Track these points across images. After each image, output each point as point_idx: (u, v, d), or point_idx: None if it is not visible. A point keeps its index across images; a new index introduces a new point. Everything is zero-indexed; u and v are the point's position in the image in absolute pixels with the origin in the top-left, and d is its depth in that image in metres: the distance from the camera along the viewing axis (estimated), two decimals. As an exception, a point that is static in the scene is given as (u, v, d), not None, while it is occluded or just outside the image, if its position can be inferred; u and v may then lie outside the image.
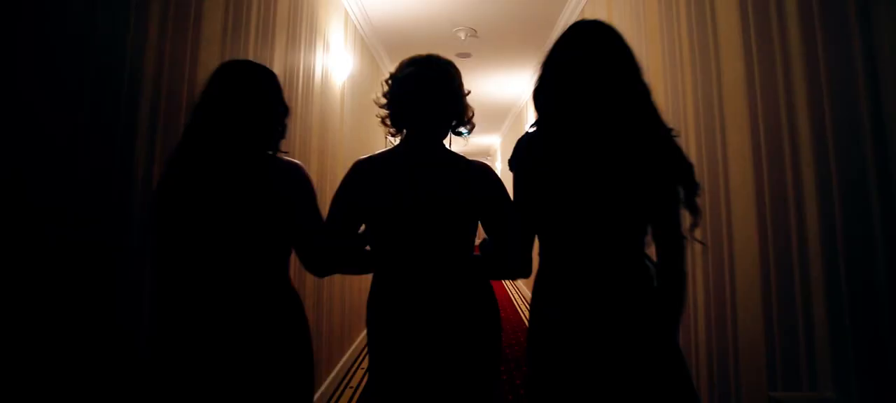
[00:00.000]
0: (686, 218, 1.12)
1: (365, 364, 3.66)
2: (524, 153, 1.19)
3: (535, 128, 1.19)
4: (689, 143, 1.98)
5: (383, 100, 1.34)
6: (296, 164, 1.30)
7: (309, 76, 2.79)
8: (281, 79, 1.34)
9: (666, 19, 2.20)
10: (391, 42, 4.61)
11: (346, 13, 3.67)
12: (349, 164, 1.36)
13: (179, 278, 1.19)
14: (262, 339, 1.18)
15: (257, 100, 1.23)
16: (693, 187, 1.10)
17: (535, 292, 1.21)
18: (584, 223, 1.10)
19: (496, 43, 4.66)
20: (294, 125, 2.40)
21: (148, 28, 1.38)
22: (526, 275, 1.28)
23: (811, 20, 1.29)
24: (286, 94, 1.34)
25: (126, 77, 1.30)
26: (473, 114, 1.37)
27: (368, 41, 4.36)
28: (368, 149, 4.40)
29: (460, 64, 4.91)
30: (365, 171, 1.31)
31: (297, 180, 1.27)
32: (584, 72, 1.10)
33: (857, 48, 1.13)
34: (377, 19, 4.11)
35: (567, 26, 1.20)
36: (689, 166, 1.11)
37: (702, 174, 1.88)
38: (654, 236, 1.12)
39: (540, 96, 1.18)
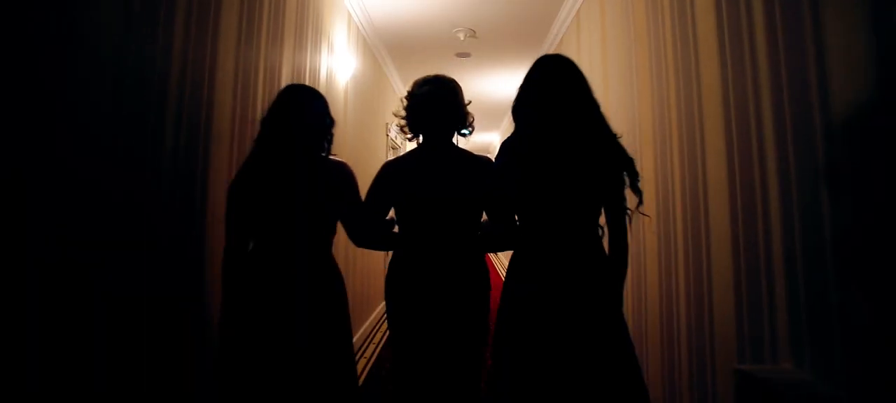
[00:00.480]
0: (632, 200, 1.44)
1: (367, 354, 3.80)
2: (506, 153, 1.51)
3: (516, 135, 1.53)
4: (673, 144, 2.10)
5: (403, 112, 1.73)
6: (342, 163, 1.70)
7: (314, 76, 2.92)
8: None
9: (652, 21, 2.32)
10: (392, 43, 4.74)
11: (349, 15, 3.80)
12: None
13: (249, 251, 1.55)
14: (314, 294, 1.55)
15: (311, 116, 1.62)
16: (634, 175, 1.43)
17: (509, 267, 1.52)
18: (552, 203, 1.42)
19: (495, 43, 4.78)
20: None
21: (174, 29, 1.51)
22: (515, 249, 1.56)
23: (774, 24, 1.42)
24: None
25: (155, 76, 1.43)
26: (473, 119, 1.75)
27: (370, 42, 4.49)
28: (370, 147, 4.55)
29: (460, 64, 5.06)
30: (392, 172, 1.68)
31: (344, 175, 1.66)
32: (548, 93, 1.44)
33: (812, 53, 1.27)
34: (379, 21, 4.24)
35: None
36: (630, 159, 1.44)
37: (684, 173, 2.00)
38: (606, 214, 1.45)
39: (518, 112, 1.52)
